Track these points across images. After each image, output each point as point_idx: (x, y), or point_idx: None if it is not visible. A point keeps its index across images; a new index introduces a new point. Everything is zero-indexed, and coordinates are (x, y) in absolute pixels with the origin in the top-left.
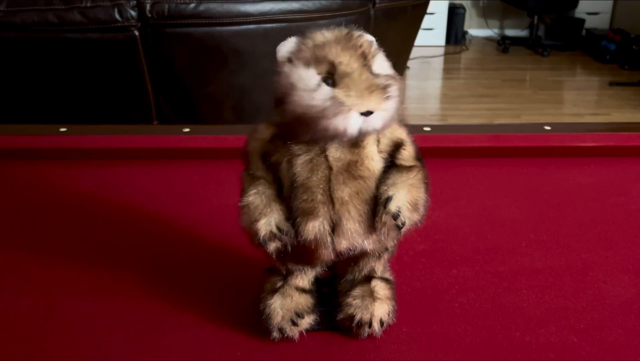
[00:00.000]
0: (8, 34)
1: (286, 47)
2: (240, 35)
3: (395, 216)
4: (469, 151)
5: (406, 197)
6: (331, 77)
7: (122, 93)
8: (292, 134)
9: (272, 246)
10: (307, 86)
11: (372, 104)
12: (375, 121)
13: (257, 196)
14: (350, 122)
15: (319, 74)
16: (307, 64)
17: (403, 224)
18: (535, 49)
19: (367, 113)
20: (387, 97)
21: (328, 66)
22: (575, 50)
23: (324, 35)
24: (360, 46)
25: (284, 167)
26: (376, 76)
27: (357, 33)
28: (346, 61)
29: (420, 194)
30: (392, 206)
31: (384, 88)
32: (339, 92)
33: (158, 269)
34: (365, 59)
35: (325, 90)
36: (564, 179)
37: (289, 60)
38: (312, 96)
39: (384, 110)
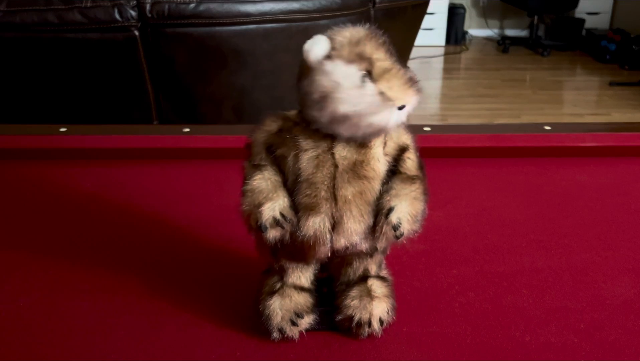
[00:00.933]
0: (8, 34)
1: (321, 45)
2: (240, 35)
3: (396, 228)
4: (469, 151)
5: (408, 209)
6: (369, 74)
7: (122, 93)
8: (316, 130)
9: (272, 234)
10: (354, 82)
11: (409, 98)
12: (403, 115)
13: (263, 181)
14: (393, 117)
15: (359, 70)
16: (349, 61)
17: (401, 235)
18: (535, 49)
19: (401, 107)
20: (418, 90)
21: (368, 63)
22: (575, 50)
23: (354, 32)
24: (385, 42)
25: (290, 161)
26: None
27: (375, 30)
28: (382, 57)
29: (420, 207)
30: (394, 217)
31: (417, 82)
32: (383, 87)
33: (158, 269)
34: (392, 55)
35: (371, 86)
36: (564, 179)
37: (329, 57)
38: (359, 93)
39: (414, 103)
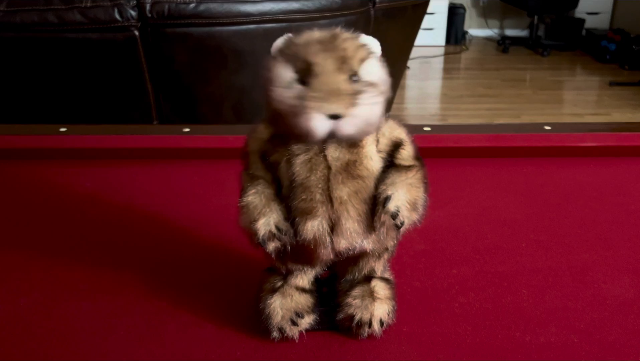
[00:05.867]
0: (8, 34)
1: (277, 43)
2: (240, 35)
3: (394, 216)
4: (469, 151)
5: (405, 196)
6: (305, 77)
7: (122, 93)
8: (284, 130)
9: (271, 246)
10: (282, 82)
11: (337, 108)
12: (345, 126)
13: (256, 196)
14: (315, 123)
15: (295, 72)
16: (287, 61)
17: (402, 223)
18: (535, 49)
19: (335, 117)
20: (355, 104)
21: (304, 65)
22: (575, 50)
23: (310, 35)
24: (343, 49)
25: (283, 167)
26: (354, 81)
27: (345, 35)
28: (321, 63)
29: (419, 194)
30: (391, 206)
31: (354, 94)
32: (304, 92)
33: (158, 269)
34: (344, 63)
35: (295, 88)
36: (564, 179)
37: (273, 57)
38: (284, 93)
39: (354, 116)
